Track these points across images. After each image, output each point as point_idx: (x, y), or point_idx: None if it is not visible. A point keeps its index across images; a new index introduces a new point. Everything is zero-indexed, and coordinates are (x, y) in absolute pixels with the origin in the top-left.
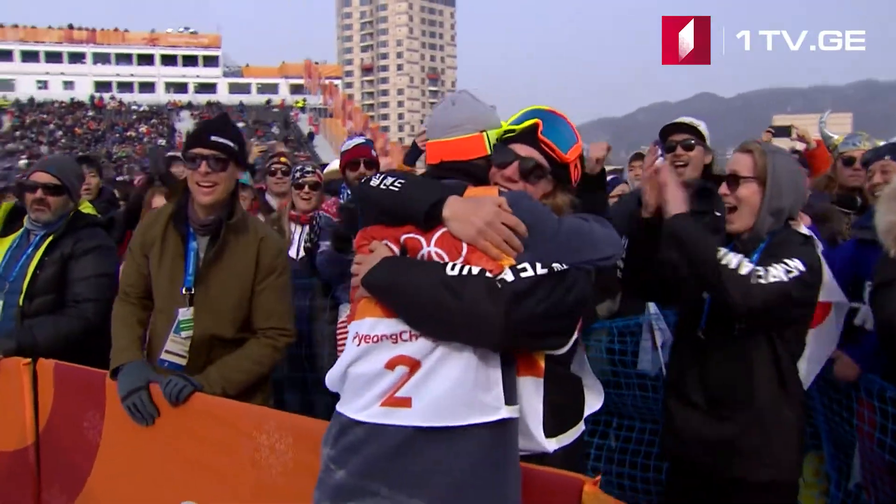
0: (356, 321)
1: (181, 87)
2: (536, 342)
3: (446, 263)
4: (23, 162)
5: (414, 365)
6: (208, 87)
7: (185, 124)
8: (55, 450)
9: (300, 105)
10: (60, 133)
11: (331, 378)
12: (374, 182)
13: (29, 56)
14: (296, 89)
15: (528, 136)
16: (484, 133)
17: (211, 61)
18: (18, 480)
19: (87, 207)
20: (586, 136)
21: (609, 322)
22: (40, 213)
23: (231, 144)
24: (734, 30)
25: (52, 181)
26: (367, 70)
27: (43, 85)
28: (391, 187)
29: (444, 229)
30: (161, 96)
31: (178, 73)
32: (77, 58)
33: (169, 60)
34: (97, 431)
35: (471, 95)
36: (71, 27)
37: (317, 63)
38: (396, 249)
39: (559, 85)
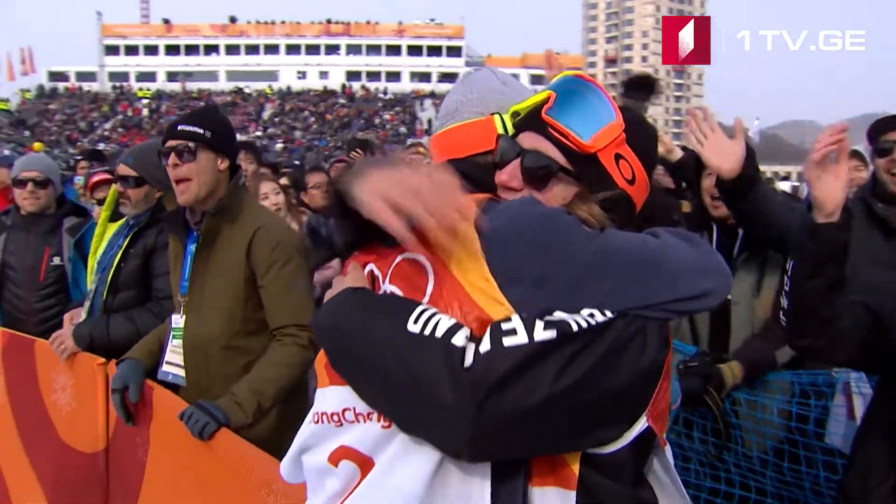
0: (319, 388)
1: (425, 77)
2: (549, 447)
3: (414, 307)
4: (279, 146)
5: (364, 463)
6: (451, 77)
7: (428, 113)
8: (119, 459)
9: None
10: (313, 119)
11: (283, 466)
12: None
13: (292, 49)
14: (536, 80)
15: (533, 118)
16: (497, 116)
17: (454, 51)
18: (91, 484)
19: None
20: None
21: (790, 374)
22: (123, 206)
23: (199, 131)
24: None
25: (130, 173)
26: (610, 61)
27: (302, 75)
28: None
29: (403, 255)
30: (406, 85)
31: (422, 62)
32: (333, 49)
33: (415, 51)
34: (145, 450)
35: (493, 71)
36: (329, 21)
37: (558, 54)
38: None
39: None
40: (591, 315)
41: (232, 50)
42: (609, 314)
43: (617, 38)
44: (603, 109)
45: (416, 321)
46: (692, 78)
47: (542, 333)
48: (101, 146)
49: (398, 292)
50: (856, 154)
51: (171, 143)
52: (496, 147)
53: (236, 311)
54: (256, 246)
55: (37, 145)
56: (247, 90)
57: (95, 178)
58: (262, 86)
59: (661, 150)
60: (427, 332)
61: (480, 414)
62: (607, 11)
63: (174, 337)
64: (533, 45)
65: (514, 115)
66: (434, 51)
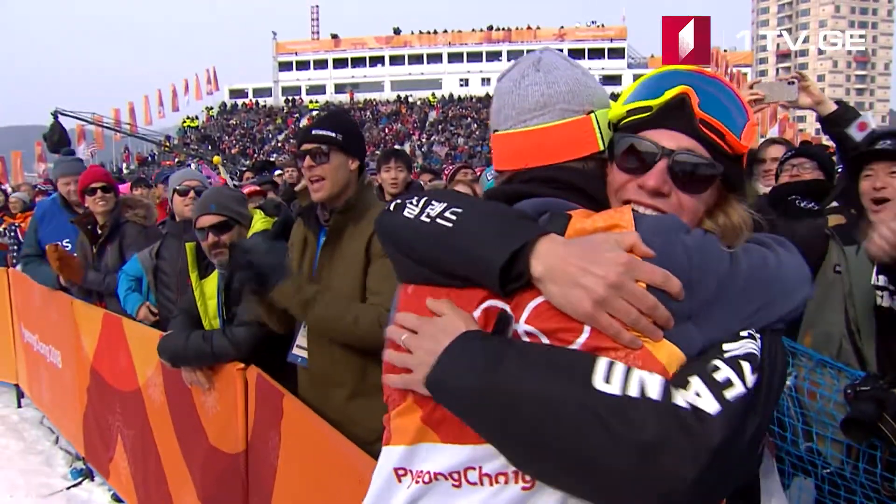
0: (392, 446)
1: None
2: (738, 481)
3: (593, 361)
4: (444, 151)
5: None
6: (613, 79)
7: None
8: (256, 461)
9: None
10: (475, 126)
11: None
12: (411, 210)
13: (454, 57)
14: None
15: (675, 114)
16: (592, 115)
17: (616, 53)
18: (232, 484)
19: (261, 222)
20: None
21: None
22: (220, 255)
23: (331, 134)
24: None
25: (217, 220)
26: (783, 56)
27: (464, 83)
28: (439, 221)
29: (542, 297)
30: None
31: (584, 65)
32: (494, 56)
33: (576, 54)
34: (276, 454)
35: (561, 56)
36: (490, 28)
37: (725, 50)
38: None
39: None
40: (752, 337)
41: (396, 60)
42: (758, 334)
43: (791, 30)
44: (739, 107)
45: (607, 380)
46: (877, 69)
47: (751, 377)
48: (273, 157)
49: (539, 334)
50: (780, 142)
51: (306, 146)
52: (624, 146)
53: (359, 298)
54: (375, 239)
55: (216, 158)
56: (411, 99)
57: (246, 190)
58: (425, 94)
59: (808, 101)
60: (633, 393)
61: (704, 478)
62: (779, 3)
63: (304, 323)
64: None
65: (636, 111)
66: (596, 53)
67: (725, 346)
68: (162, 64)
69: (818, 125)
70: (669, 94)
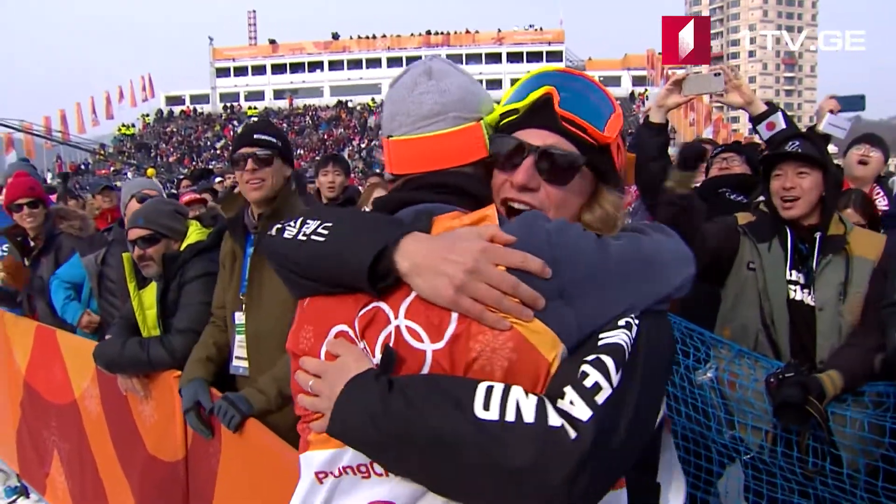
0: (312, 451)
1: None
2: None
3: (473, 388)
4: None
5: None
6: None
7: None
8: (196, 468)
9: (646, 95)
10: None
11: None
12: (290, 231)
13: (393, 62)
14: (638, 81)
15: (541, 113)
16: (482, 121)
17: (555, 56)
18: (172, 492)
19: (196, 234)
20: None
21: (883, 385)
22: (147, 268)
23: (274, 140)
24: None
25: (145, 232)
26: (716, 58)
27: None
28: (314, 237)
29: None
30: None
31: (523, 69)
32: None
33: (515, 57)
34: (216, 459)
35: (449, 63)
36: (429, 33)
37: (660, 53)
38: (365, 346)
39: None
40: (628, 325)
41: (335, 65)
42: (636, 319)
43: (722, 33)
44: (604, 100)
45: (486, 406)
46: (804, 70)
47: (615, 375)
48: (212, 164)
49: (418, 329)
50: (707, 142)
51: (246, 149)
52: (497, 147)
53: (291, 304)
54: None
55: (150, 171)
56: (350, 104)
57: (186, 199)
58: (365, 99)
59: (739, 100)
60: (510, 418)
61: (576, 484)
62: (711, 7)
63: (238, 332)
64: (634, 46)
65: (508, 113)
66: (534, 57)
67: (601, 335)
68: (95, 71)
69: (750, 125)
70: (534, 96)
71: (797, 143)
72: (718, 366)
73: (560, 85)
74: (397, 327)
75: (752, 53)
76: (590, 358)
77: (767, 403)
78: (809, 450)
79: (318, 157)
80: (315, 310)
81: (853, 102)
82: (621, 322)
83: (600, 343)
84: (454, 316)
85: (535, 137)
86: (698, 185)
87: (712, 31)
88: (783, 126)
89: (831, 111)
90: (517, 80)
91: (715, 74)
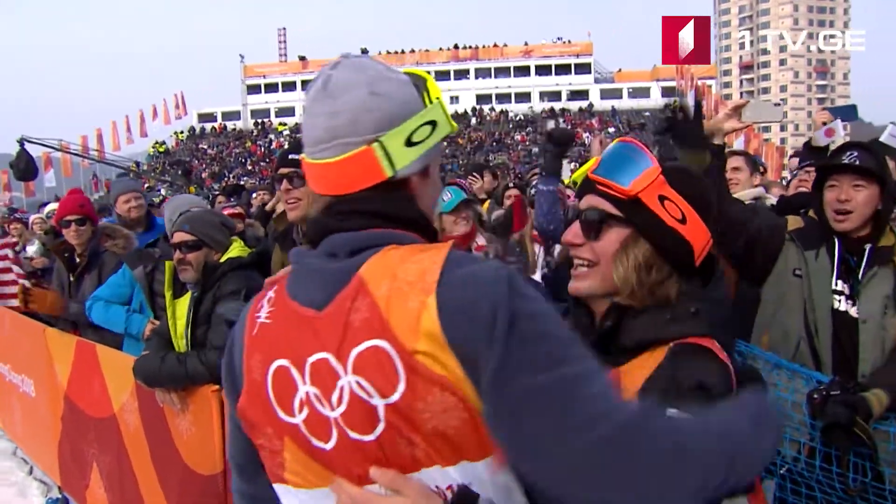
0: (292, 488)
1: (555, 95)
2: None
3: None
4: None
5: None
6: (580, 94)
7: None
8: None
9: (676, 105)
10: (445, 143)
11: None
12: None
13: None
14: (667, 92)
15: (585, 182)
16: (376, 144)
17: (583, 69)
18: None
19: (237, 249)
20: None
21: None
22: (184, 272)
23: None
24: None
25: (189, 238)
26: (745, 68)
27: None
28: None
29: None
30: (536, 105)
31: (551, 81)
32: (462, 74)
33: (543, 70)
34: None
35: (354, 68)
36: (456, 47)
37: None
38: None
39: None
40: None
41: None
42: None
43: (752, 42)
44: (640, 159)
45: None
46: (836, 78)
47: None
48: (244, 180)
49: (367, 384)
50: (739, 153)
51: (283, 170)
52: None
53: None
54: None
55: (191, 189)
56: None
57: (226, 213)
58: None
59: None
60: None
61: None
62: (740, 16)
63: None
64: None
65: (575, 183)
66: (563, 69)
67: None
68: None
69: (782, 135)
70: (583, 169)
71: (855, 153)
72: None
73: (606, 154)
74: (347, 384)
75: (783, 62)
76: None
77: (807, 416)
78: (850, 465)
79: None
80: (287, 320)
81: (846, 113)
82: None
83: None
84: (401, 372)
85: (584, 202)
86: (777, 200)
87: (741, 41)
88: (841, 134)
89: (824, 123)
90: (546, 91)
91: (775, 104)
